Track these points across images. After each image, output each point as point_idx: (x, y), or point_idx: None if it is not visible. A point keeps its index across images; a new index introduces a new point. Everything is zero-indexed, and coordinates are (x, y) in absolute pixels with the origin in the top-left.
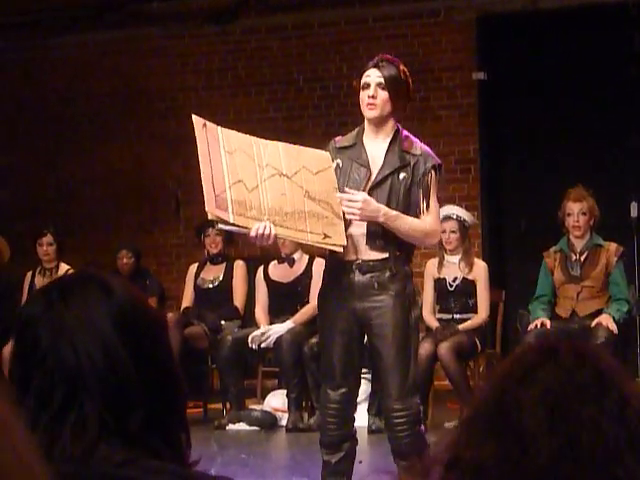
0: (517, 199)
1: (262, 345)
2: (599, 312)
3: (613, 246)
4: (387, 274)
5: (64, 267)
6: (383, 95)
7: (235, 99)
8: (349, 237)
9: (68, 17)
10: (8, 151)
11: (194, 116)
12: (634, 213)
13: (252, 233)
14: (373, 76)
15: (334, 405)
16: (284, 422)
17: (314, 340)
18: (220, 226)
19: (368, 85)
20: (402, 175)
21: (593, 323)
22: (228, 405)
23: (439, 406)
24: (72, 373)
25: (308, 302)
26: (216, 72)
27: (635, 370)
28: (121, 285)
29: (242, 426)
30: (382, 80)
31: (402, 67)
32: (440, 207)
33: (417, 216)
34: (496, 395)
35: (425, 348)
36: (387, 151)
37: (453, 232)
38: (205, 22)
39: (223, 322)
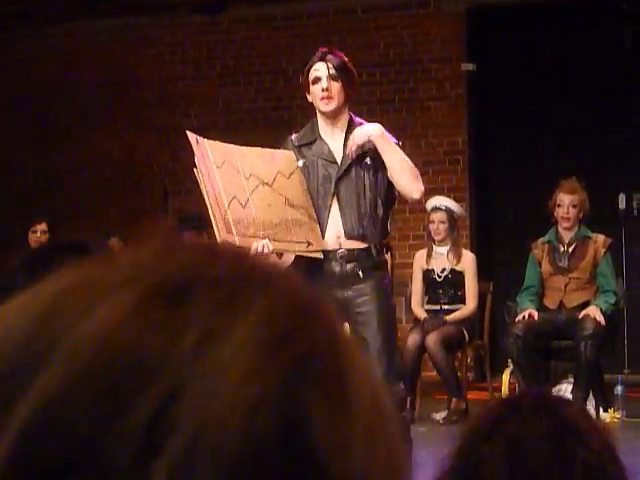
0: (505, 190)
1: None
2: (587, 304)
3: (601, 238)
4: (370, 262)
5: None
6: (336, 86)
7: (224, 89)
8: (333, 225)
9: (58, 6)
10: None
11: (188, 132)
12: (622, 205)
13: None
14: (322, 69)
15: None
16: None
17: None
18: None
19: (319, 79)
20: (365, 162)
21: (581, 315)
22: None
23: (427, 397)
24: None
25: None
26: (205, 62)
27: (622, 362)
28: None
29: None
30: (332, 71)
31: (345, 57)
32: (428, 198)
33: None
34: (462, 454)
35: (413, 339)
36: (344, 143)
37: (442, 223)
38: (194, 12)
39: None
